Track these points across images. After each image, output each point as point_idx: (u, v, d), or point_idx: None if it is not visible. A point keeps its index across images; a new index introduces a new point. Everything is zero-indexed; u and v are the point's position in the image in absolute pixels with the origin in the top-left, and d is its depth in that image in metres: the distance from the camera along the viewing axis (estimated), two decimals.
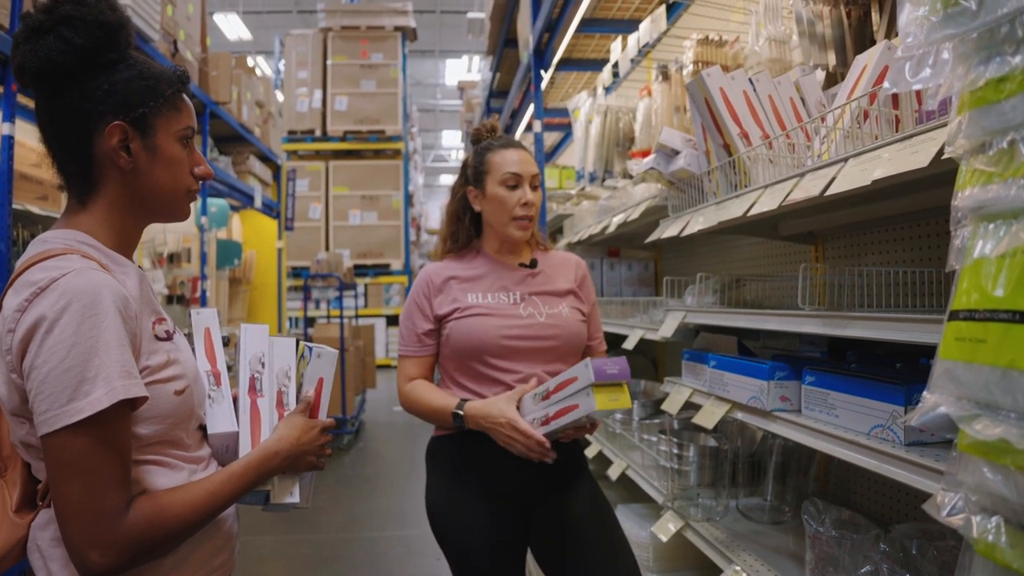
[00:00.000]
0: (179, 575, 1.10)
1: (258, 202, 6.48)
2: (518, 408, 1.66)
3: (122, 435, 1.00)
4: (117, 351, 0.98)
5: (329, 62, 11.88)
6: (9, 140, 2.57)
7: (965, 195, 0.74)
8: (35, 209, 3.07)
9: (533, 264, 1.90)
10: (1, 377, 1.01)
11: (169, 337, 1.14)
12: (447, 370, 1.87)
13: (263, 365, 1.29)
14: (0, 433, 1.09)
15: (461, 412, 1.70)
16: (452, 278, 1.86)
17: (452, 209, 1.95)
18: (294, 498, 1.24)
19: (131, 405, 1.01)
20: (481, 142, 1.93)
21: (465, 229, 1.93)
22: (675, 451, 2.03)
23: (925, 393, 0.76)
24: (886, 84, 0.88)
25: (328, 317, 8.82)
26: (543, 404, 1.60)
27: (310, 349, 1.34)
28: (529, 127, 4.98)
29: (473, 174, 1.88)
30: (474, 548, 1.76)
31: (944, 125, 0.99)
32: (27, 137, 3.33)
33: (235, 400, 1.27)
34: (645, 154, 2.82)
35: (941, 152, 0.96)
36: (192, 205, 1.25)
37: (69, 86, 1.07)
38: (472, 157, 1.91)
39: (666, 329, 2.10)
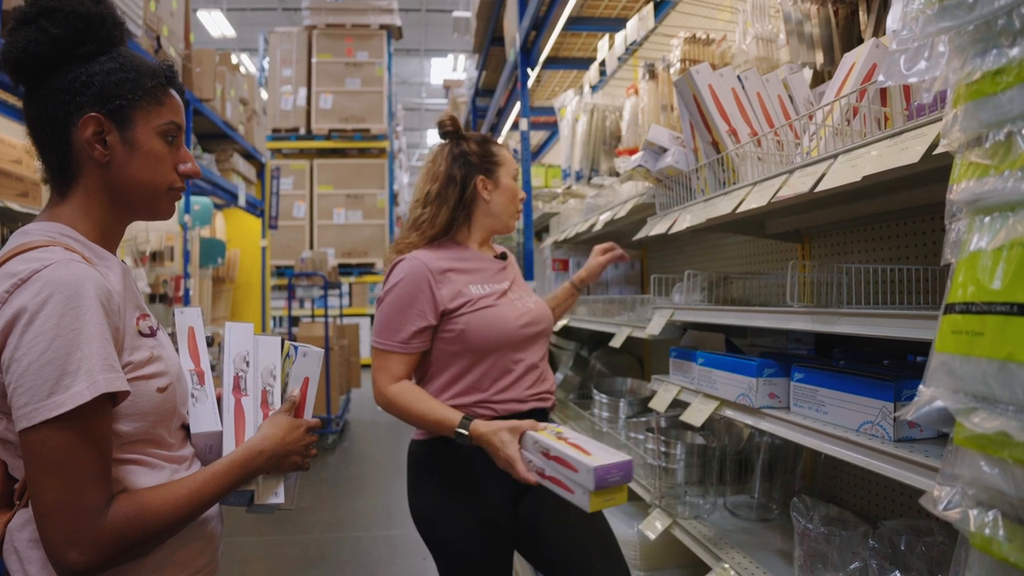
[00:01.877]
0: None
1: (242, 200, 6.43)
2: (522, 440, 1.59)
3: (103, 431, 0.98)
4: (99, 344, 0.96)
5: (314, 60, 11.81)
6: None
7: (960, 188, 0.73)
8: (15, 206, 3.02)
9: (503, 257, 1.96)
10: None
11: (152, 334, 1.12)
12: (447, 365, 1.80)
13: (248, 364, 1.28)
14: None
15: (466, 432, 1.63)
16: (449, 269, 1.80)
17: (446, 194, 1.86)
18: (279, 498, 1.22)
19: (112, 400, 0.99)
20: (456, 133, 1.91)
21: (451, 216, 1.86)
22: (662, 449, 2.03)
23: (921, 387, 0.76)
24: (880, 77, 0.88)
25: (312, 316, 8.78)
26: (543, 458, 1.53)
27: (296, 348, 1.33)
28: (515, 126, 4.97)
29: (482, 163, 1.86)
30: (462, 549, 1.75)
31: (934, 121, 0.99)
32: (6, 133, 3.28)
33: (219, 399, 1.26)
34: (632, 152, 2.82)
35: (932, 148, 0.97)
36: (175, 203, 1.24)
37: (48, 77, 1.06)
38: (475, 146, 1.89)
39: (653, 327, 2.10)
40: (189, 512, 1.06)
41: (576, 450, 1.46)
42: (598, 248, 2.28)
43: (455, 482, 1.78)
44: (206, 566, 1.17)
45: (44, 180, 1.13)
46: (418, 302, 1.75)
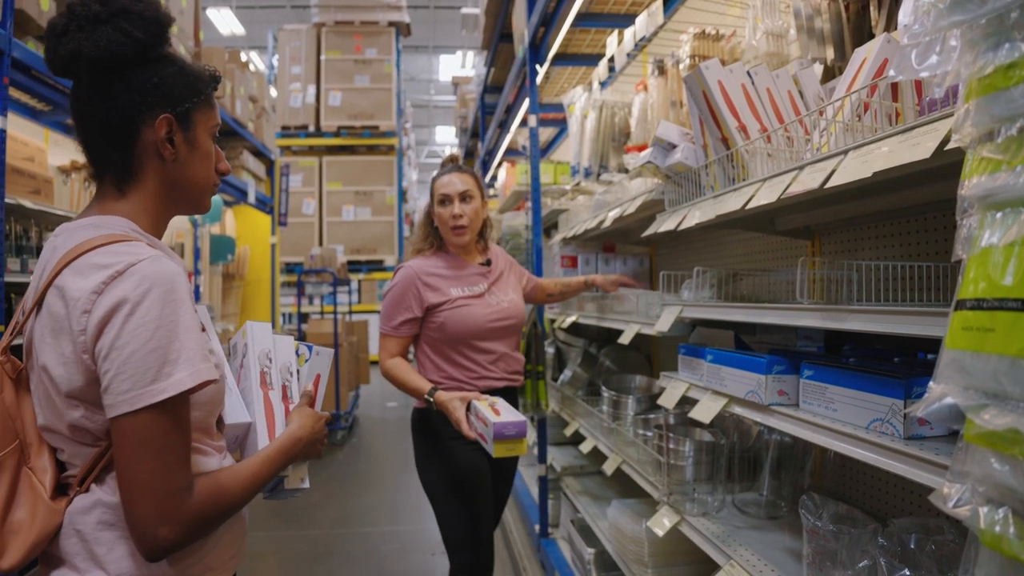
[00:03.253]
0: (214, 557, 1.15)
1: (251, 197, 6.45)
2: (469, 406, 2.14)
3: (188, 417, 1.05)
4: (195, 336, 1.03)
5: (323, 57, 11.84)
6: (2, 134, 2.54)
7: (972, 184, 0.73)
8: (27, 203, 3.03)
9: (488, 263, 2.51)
10: (57, 359, 1.02)
11: (203, 328, 1.16)
12: (436, 349, 2.39)
13: (271, 360, 1.36)
14: (24, 420, 1.09)
15: (431, 399, 2.22)
16: (435, 275, 2.39)
17: (423, 222, 2.52)
18: (305, 484, 1.32)
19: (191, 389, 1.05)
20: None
21: (434, 237, 2.49)
22: (671, 446, 2.03)
23: (931, 383, 0.75)
24: (891, 72, 0.87)
25: (322, 313, 8.81)
26: (476, 419, 2.07)
27: (309, 347, 1.43)
28: (524, 122, 4.95)
29: (430, 198, 2.48)
30: (443, 487, 2.36)
31: (946, 116, 0.98)
32: (19, 131, 3.30)
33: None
34: (641, 149, 2.80)
35: (943, 144, 0.96)
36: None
37: (119, 77, 1.11)
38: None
39: (662, 324, 2.09)
40: (252, 492, 1.15)
41: (492, 412, 1.99)
42: (618, 277, 2.90)
43: (438, 439, 2.35)
44: (237, 553, 1.25)
45: (93, 176, 1.17)
46: (406, 299, 2.36)
